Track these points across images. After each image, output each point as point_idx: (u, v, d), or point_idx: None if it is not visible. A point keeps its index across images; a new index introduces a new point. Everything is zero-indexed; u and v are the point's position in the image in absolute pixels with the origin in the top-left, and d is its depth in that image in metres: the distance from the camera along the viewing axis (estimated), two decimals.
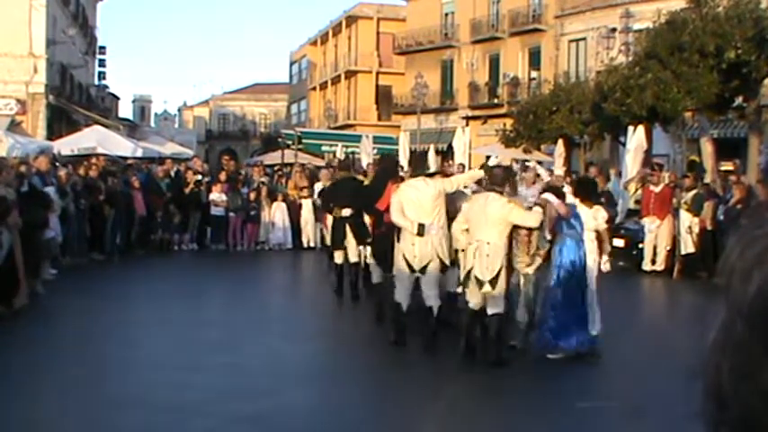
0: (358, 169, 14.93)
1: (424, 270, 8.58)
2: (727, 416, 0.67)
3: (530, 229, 8.49)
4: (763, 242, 0.69)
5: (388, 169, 10.97)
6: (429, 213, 8.55)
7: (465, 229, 8.26)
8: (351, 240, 11.62)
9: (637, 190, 17.08)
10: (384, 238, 9.71)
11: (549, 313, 8.48)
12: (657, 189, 15.90)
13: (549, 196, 8.80)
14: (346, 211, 11.55)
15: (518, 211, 8.12)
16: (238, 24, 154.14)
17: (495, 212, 7.93)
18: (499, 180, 8.32)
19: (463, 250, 8.28)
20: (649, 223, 15.71)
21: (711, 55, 18.97)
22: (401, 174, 11.48)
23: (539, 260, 8.61)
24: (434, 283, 8.72)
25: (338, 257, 12.12)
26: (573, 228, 8.49)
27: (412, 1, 44.95)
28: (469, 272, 8.02)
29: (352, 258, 11.75)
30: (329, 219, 12.87)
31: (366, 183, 11.85)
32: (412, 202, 8.59)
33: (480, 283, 7.96)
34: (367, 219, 10.91)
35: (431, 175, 9.28)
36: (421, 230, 8.46)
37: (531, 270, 8.60)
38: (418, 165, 9.83)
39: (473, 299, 8.17)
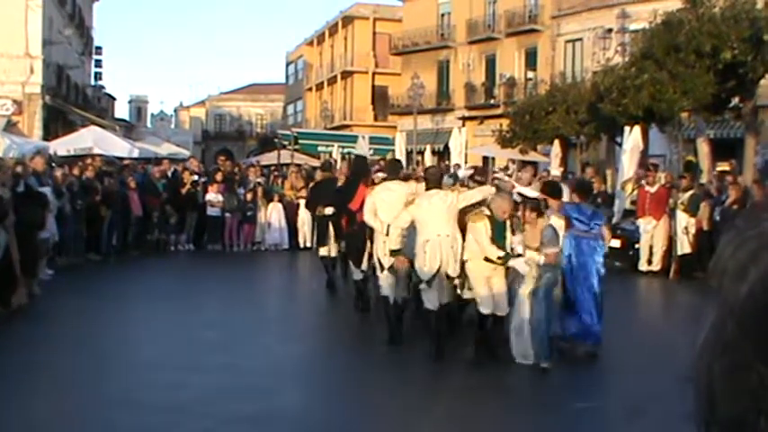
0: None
1: (393, 268, 8.86)
2: (718, 416, 0.67)
3: (538, 214, 8.18)
4: (755, 242, 0.69)
5: (359, 170, 11.40)
6: None
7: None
8: (332, 236, 12.16)
9: (633, 190, 17.07)
10: (355, 236, 10.21)
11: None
12: (653, 189, 15.90)
13: (523, 190, 9.49)
14: (328, 210, 12.01)
15: (463, 194, 8.61)
16: (235, 25, 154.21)
17: (443, 205, 8.22)
18: (435, 178, 8.76)
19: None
20: (645, 224, 15.71)
21: (708, 55, 18.97)
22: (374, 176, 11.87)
23: (543, 258, 8.41)
24: (405, 282, 9.06)
25: (323, 252, 12.65)
26: (575, 227, 8.70)
27: (408, 1, 44.89)
28: (438, 270, 8.15)
29: (333, 253, 12.41)
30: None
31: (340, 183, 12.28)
32: (385, 203, 8.97)
33: (450, 279, 8.25)
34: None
35: (405, 179, 9.72)
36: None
37: (539, 257, 7.98)
38: (393, 169, 10.12)
39: (442, 296, 8.35)
